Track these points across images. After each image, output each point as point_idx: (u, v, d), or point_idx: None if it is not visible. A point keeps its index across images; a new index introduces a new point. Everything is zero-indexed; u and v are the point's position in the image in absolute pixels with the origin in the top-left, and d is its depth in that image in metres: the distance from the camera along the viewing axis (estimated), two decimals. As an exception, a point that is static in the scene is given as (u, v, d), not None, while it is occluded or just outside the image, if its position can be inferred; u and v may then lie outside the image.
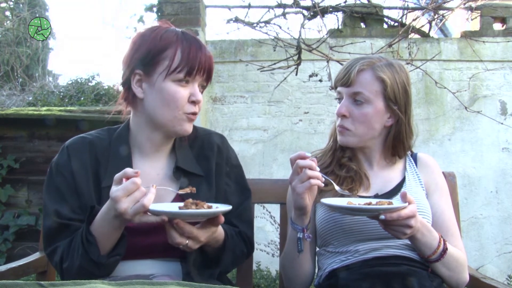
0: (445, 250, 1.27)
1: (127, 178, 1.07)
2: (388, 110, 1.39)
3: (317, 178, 1.19)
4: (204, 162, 1.38)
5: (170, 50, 1.23)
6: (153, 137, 1.31)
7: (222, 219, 1.16)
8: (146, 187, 1.08)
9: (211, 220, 1.16)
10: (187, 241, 1.14)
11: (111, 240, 1.16)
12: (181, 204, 1.15)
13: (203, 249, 1.27)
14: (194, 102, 1.26)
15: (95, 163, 1.29)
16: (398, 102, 1.38)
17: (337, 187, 1.30)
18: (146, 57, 1.23)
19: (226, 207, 1.16)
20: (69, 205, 1.23)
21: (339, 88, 1.42)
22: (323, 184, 1.21)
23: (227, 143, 1.46)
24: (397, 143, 1.43)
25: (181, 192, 1.21)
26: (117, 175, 1.09)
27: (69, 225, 1.21)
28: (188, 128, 1.28)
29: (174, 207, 1.16)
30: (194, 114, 1.27)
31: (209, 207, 1.15)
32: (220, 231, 1.25)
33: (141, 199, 1.05)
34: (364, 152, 1.47)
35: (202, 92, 1.30)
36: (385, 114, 1.39)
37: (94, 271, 1.14)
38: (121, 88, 1.34)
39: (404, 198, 1.18)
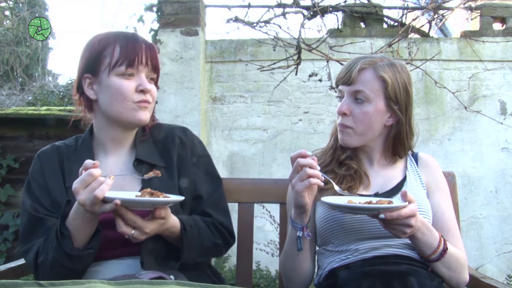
0: (445, 249, 1.26)
1: (85, 169, 1.11)
2: (388, 109, 1.39)
3: (317, 177, 1.19)
4: (166, 154, 1.41)
5: (109, 48, 1.30)
6: (113, 133, 1.37)
7: (161, 213, 1.17)
8: (106, 176, 1.12)
9: (153, 212, 1.18)
10: (133, 231, 1.16)
11: (85, 234, 1.19)
12: (140, 193, 1.18)
13: (165, 241, 1.28)
14: (142, 92, 1.30)
15: (62, 167, 1.37)
16: (399, 101, 1.38)
17: (336, 187, 1.30)
18: (89, 60, 1.32)
19: (177, 197, 1.20)
20: (43, 205, 1.31)
21: (340, 87, 1.42)
22: (322, 183, 1.21)
23: (191, 134, 1.49)
24: (398, 143, 1.43)
25: (146, 176, 1.25)
26: (80, 169, 1.13)
27: (44, 220, 1.27)
28: (142, 116, 1.32)
29: (130, 195, 1.19)
30: (145, 102, 1.31)
31: (165, 197, 1.17)
32: (173, 224, 1.25)
33: (95, 190, 1.08)
34: (365, 151, 1.47)
35: (155, 85, 1.37)
36: (386, 113, 1.39)
37: (67, 265, 1.17)
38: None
39: (405, 197, 1.18)
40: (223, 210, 1.45)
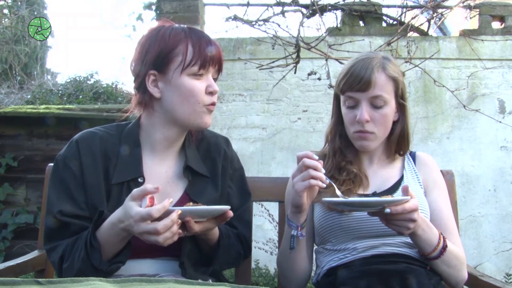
0: (445, 247, 1.27)
1: (146, 194, 1.08)
2: (396, 106, 1.41)
3: (319, 179, 1.19)
4: (210, 163, 1.39)
5: (181, 46, 1.24)
6: (169, 133, 1.31)
7: (230, 214, 1.18)
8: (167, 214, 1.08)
9: (217, 219, 1.19)
10: (185, 232, 1.16)
11: (115, 248, 1.15)
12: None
13: (198, 246, 1.29)
14: (211, 93, 1.28)
15: (105, 158, 1.28)
16: (404, 98, 1.41)
17: (338, 192, 1.29)
18: (158, 57, 1.24)
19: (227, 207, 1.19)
20: (74, 201, 1.22)
21: (352, 94, 1.36)
22: (324, 185, 1.20)
23: (232, 147, 1.49)
24: (401, 139, 1.44)
25: (186, 205, 1.23)
26: (136, 192, 1.08)
27: (72, 224, 1.20)
28: (208, 120, 1.29)
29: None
30: (213, 104, 1.29)
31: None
32: (216, 231, 1.27)
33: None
34: (367, 151, 1.46)
35: None
36: (395, 111, 1.41)
37: (93, 276, 1.13)
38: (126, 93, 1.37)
39: (406, 192, 1.17)
40: (247, 224, 1.46)
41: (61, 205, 1.21)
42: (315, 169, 1.19)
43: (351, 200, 1.21)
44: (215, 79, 1.33)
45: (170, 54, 1.23)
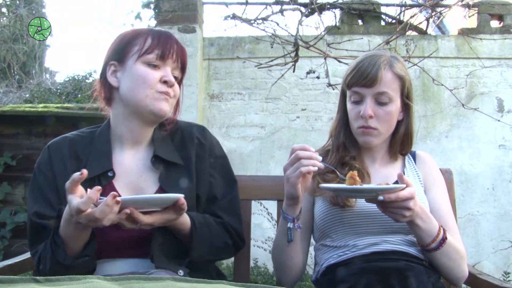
0: (444, 238, 1.27)
1: (76, 182, 1.07)
2: (402, 106, 1.41)
3: (311, 164, 1.19)
4: (184, 152, 1.38)
5: (140, 37, 1.29)
6: (132, 126, 1.32)
7: (183, 206, 1.16)
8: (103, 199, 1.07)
9: (167, 210, 1.17)
10: (138, 225, 1.14)
11: (79, 241, 1.16)
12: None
13: (174, 239, 1.27)
14: (166, 82, 1.28)
15: (75, 160, 1.32)
16: (410, 97, 1.41)
17: (340, 175, 1.30)
18: (118, 47, 1.31)
19: (177, 195, 1.16)
20: (49, 202, 1.26)
21: (358, 89, 1.38)
22: (314, 169, 1.20)
23: (210, 134, 1.47)
24: (405, 139, 1.45)
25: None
26: (68, 184, 1.07)
27: (48, 226, 1.21)
28: (164, 107, 1.28)
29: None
30: (167, 94, 1.29)
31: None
32: (182, 221, 1.24)
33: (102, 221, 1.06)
34: (370, 149, 1.47)
35: (179, 85, 1.35)
36: (400, 110, 1.41)
37: (63, 274, 1.13)
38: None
39: (401, 179, 1.18)
40: (234, 212, 1.43)
41: (37, 207, 1.26)
42: (308, 158, 1.19)
43: (346, 187, 1.21)
44: (179, 80, 1.35)
45: (129, 44, 1.29)
